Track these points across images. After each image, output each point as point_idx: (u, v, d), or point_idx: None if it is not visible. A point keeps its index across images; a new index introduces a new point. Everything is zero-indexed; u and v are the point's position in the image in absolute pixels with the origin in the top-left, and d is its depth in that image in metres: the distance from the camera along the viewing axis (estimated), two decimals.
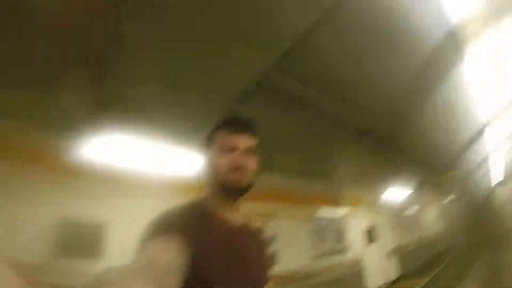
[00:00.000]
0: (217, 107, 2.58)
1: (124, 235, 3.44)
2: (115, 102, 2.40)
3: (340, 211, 6.75)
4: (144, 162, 3.20)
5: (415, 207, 11.02)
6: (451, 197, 13.91)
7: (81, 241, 3.29)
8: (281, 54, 1.90)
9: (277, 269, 4.83)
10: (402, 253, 8.57)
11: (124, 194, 3.59)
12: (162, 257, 0.63)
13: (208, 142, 0.99)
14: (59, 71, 2.06)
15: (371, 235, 7.70)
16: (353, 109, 2.93)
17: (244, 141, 0.93)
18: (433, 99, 3.19)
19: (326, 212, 6.36)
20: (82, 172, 3.22)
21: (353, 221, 7.09)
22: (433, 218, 12.95)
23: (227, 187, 0.90)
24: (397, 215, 9.35)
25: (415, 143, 4.47)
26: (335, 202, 6.50)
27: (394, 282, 7.84)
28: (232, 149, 0.91)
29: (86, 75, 2.08)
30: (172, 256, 0.65)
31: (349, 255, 6.51)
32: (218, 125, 0.99)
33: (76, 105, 2.44)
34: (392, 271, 8.07)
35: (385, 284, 7.58)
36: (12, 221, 2.98)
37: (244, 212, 1.03)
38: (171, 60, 2.03)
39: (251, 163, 0.93)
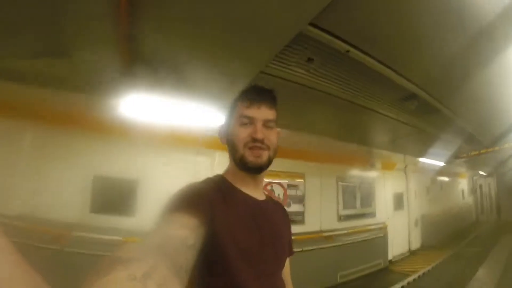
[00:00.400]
0: (252, 66, 2.42)
1: (157, 190, 3.51)
2: (146, 60, 2.32)
3: (371, 174, 6.57)
4: (176, 119, 3.15)
5: (448, 179, 10.68)
6: (486, 173, 13.37)
7: (115, 197, 3.44)
8: (324, 7, 1.71)
9: (303, 228, 4.87)
10: (428, 223, 8.39)
11: (156, 151, 3.67)
12: (177, 234, 0.62)
13: (230, 112, 0.98)
14: (85, 32, 1.94)
15: (399, 202, 7.53)
16: (398, 72, 2.72)
17: (263, 114, 0.91)
18: (484, 74, 2.91)
19: (357, 173, 6.20)
20: (114, 131, 3.25)
21: (383, 185, 6.92)
22: (464, 191, 12.60)
23: (244, 163, 0.90)
24: (428, 184, 9.08)
25: (459, 115, 4.16)
26: (366, 164, 6.29)
27: (416, 251, 7.77)
28: (250, 122, 0.90)
29: (114, 33, 1.94)
30: (187, 233, 0.64)
31: (376, 219, 6.41)
32: (238, 96, 0.97)
33: (106, 65, 2.40)
34: (416, 240, 7.98)
35: (408, 252, 7.55)
36: (49, 181, 3.18)
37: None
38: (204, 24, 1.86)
39: (270, 137, 0.91)
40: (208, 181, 0.92)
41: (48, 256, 2.85)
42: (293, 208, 4.83)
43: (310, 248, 4.60)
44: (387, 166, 6.88)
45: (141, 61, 2.31)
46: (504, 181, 12.25)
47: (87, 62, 2.38)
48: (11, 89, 2.92)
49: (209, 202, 0.78)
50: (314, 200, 5.17)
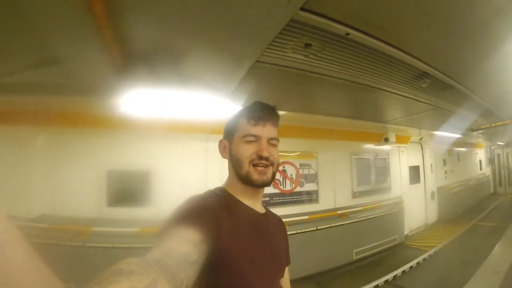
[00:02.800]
0: (252, 54, 2.32)
1: (170, 179, 3.64)
2: (138, 55, 2.30)
3: (385, 148, 6.45)
4: (181, 108, 3.13)
5: (464, 149, 10.43)
6: (503, 143, 12.96)
7: (130, 189, 3.55)
8: None
9: (317, 207, 4.87)
10: (444, 196, 8.28)
11: (165, 141, 3.73)
12: (179, 249, 0.62)
13: (232, 128, 1.00)
14: (70, 35, 1.92)
15: (415, 175, 7.41)
16: (405, 51, 2.57)
17: (268, 132, 0.94)
18: (500, 50, 2.74)
19: (370, 149, 6.10)
20: (121, 126, 3.30)
21: (398, 159, 6.81)
22: (481, 162, 12.32)
23: (250, 181, 0.92)
24: (445, 156, 8.91)
25: (474, 91, 4.00)
26: (380, 139, 6.14)
27: (432, 224, 7.71)
28: (255, 140, 0.93)
29: (105, 34, 1.89)
30: (190, 248, 0.64)
31: (391, 194, 6.35)
32: (241, 112, 1.00)
33: (100, 66, 2.40)
34: (432, 213, 7.91)
35: (424, 225, 7.49)
36: (65, 181, 3.31)
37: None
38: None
39: (274, 154, 0.94)
40: (211, 194, 0.93)
41: (70, 252, 3.05)
42: (306, 187, 4.82)
43: (325, 226, 4.60)
44: (402, 140, 6.70)
45: (134, 56, 2.29)
46: None
47: (80, 66, 2.40)
48: (15, 100, 3.05)
49: (214, 215, 0.79)
50: (328, 178, 5.14)
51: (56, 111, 3.21)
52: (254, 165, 0.91)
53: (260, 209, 1.01)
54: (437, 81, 3.37)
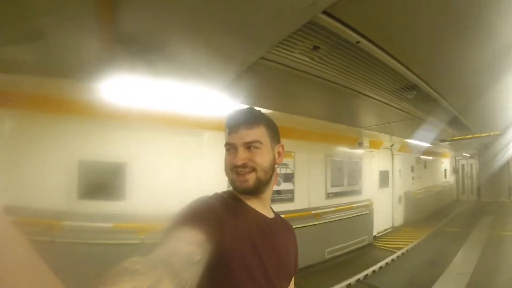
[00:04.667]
0: (253, 51, 2.30)
1: (146, 172, 3.50)
2: (129, 40, 2.16)
3: (359, 152, 6.68)
4: (162, 102, 3.09)
5: (431, 158, 10.99)
6: (468, 154, 13.76)
7: (103, 181, 3.34)
8: None
9: (292, 206, 4.96)
10: (410, 201, 8.71)
11: (143, 133, 3.55)
12: (183, 249, 0.63)
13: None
14: (59, 10, 1.77)
15: (384, 179, 7.76)
16: (402, 63, 2.70)
17: (242, 138, 0.91)
18: (485, 72, 3.03)
19: (345, 152, 6.29)
20: (98, 114, 3.11)
21: (370, 163, 7.08)
22: (446, 171, 13.01)
23: (234, 188, 0.93)
24: (413, 163, 9.38)
25: (452, 104, 4.26)
26: (354, 143, 6.38)
27: (399, 227, 8.09)
28: (233, 148, 0.92)
29: (93, 11, 1.77)
30: (193, 249, 0.65)
31: (362, 197, 6.59)
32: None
33: (85, 47, 2.25)
34: (399, 216, 8.30)
35: (391, 228, 7.83)
36: (33, 170, 3.05)
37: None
38: None
39: (255, 158, 0.90)
40: (218, 196, 0.92)
41: (39, 248, 2.79)
42: (282, 186, 4.89)
43: (299, 225, 4.70)
44: (375, 145, 7.02)
45: (124, 41, 2.17)
46: (485, 163, 12.63)
47: (64, 45, 2.22)
48: None
49: (218, 217, 0.78)
50: (303, 178, 5.24)
51: (27, 93, 2.95)
52: (237, 172, 0.90)
53: (267, 213, 0.99)
54: (423, 94, 3.55)
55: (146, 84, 2.66)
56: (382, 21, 1.99)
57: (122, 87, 2.65)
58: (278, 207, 4.63)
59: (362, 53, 2.40)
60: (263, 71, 2.61)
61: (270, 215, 1.00)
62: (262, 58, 2.38)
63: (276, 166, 0.99)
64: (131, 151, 3.49)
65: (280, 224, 1.02)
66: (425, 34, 2.18)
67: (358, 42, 2.20)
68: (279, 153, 1.00)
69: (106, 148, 3.37)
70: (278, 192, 4.82)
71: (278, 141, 1.01)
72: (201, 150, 3.75)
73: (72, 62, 2.53)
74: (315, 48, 2.29)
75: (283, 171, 4.91)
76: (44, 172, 3.10)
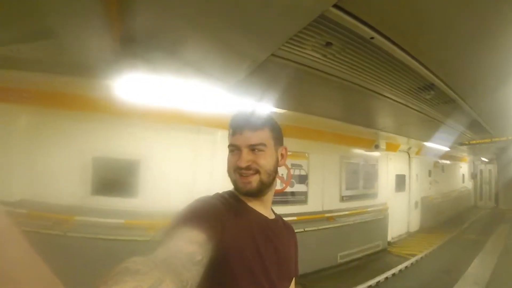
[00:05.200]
0: (263, 47, 2.24)
1: (159, 170, 3.52)
2: (140, 39, 2.18)
3: (375, 155, 6.52)
4: (176, 98, 3.05)
5: (449, 162, 10.66)
6: (487, 159, 13.34)
7: (116, 178, 3.39)
8: None
9: (306, 209, 4.85)
10: (427, 206, 8.45)
11: (157, 130, 3.58)
12: (184, 249, 0.63)
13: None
14: (70, 9, 1.78)
15: (401, 183, 7.53)
16: (419, 61, 2.57)
17: (246, 140, 0.90)
18: (505, 71, 2.84)
19: (361, 154, 6.15)
20: (112, 111, 3.15)
21: (386, 166, 6.90)
22: (464, 176, 12.62)
23: (236, 189, 0.93)
24: (431, 167, 9.09)
25: (472, 106, 4.08)
26: (371, 145, 6.22)
27: (414, 233, 7.85)
28: (236, 149, 0.91)
29: (107, 12, 1.79)
30: (195, 248, 0.65)
31: (377, 200, 6.42)
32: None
33: (97, 45, 2.26)
34: (415, 222, 8.05)
35: (406, 233, 7.61)
36: (48, 165, 3.14)
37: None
38: None
39: (259, 160, 0.90)
40: (219, 196, 0.92)
41: (51, 241, 2.85)
42: (296, 187, 4.80)
43: (312, 228, 4.60)
44: (392, 147, 6.81)
45: (136, 39, 2.17)
46: (504, 169, 12.24)
47: (74, 43, 2.24)
48: (2, 75, 2.85)
49: (219, 217, 0.78)
50: (317, 180, 5.14)
51: (43, 90, 3.02)
52: (240, 175, 0.90)
53: (268, 214, 0.99)
54: (441, 94, 3.40)
55: (159, 82, 2.65)
56: (396, 16, 1.89)
57: (135, 85, 2.64)
58: (291, 209, 4.65)
59: (377, 50, 2.30)
60: (274, 68, 2.55)
61: (271, 216, 1.01)
62: (273, 55, 2.31)
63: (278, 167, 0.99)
64: (145, 149, 3.52)
65: (281, 225, 1.03)
66: (443, 31, 2.05)
67: (372, 38, 2.09)
68: (282, 155, 1.00)
69: (120, 145, 3.41)
70: (292, 193, 4.75)
71: (281, 143, 1.01)
72: (214, 148, 3.72)
73: (84, 60, 2.55)
74: (328, 44, 2.20)
75: (297, 172, 4.82)
76: (58, 168, 3.16)
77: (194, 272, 0.60)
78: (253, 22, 1.86)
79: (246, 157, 0.89)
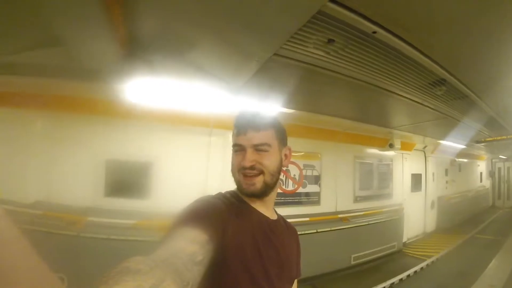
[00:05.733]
0: (265, 48, 2.21)
1: (171, 172, 3.55)
2: (147, 41, 2.21)
3: (389, 154, 6.37)
4: (187, 100, 3.06)
5: (466, 160, 10.37)
6: (505, 156, 12.92)
7: (129, 180, 3.45)
8: None
9: (318, 209, 4.79)
10: (444, 206, 8.23)
11: (168, 133, 3.63)
12: (185, 249, 0.63)
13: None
14: (76, 18, 1.81)
15: (416, 183, 7.34)
16: (427, 55, 2.47)
17: (250, 140, 0.91)
18: None
19: (375, 154, 6.03)
20: (124, 114, 3.19)
21: (402, 166, 6.73)
22: (482, 174, 12.26)
23: (240, 190, 0.93)
24: (447, 166, 8.84)
25: (486, 102, 3.93)
26: (385, 144, 6.08)
27: (430, 233, 7.66)
28: (241, 149, 0.92)
29: (113, 16, 1.80)
30: (196, 248, 0.65)
31: (392, 201, 6.28)
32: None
33: (104, 50, 2.27)
34: (431, 222, 7.85)
35: (422, 234, 7.43)
36: (62, 167, 3.22)
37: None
38: None
39: (263, 161, 0.90)
40: (220, 195, 0.92)
41: (64, 241, 2.95)
42: (308, 188, 4.74)
43: (325, 229, 4.53)
44: (407, 147, 6.63)
45: (141, 42, 2.19)
46: None
47: (84, 48, 2.26)
48: (16, 81, 2.92)
49: (220, 217, 0.78)
50: (330, 181, 5.06)
51: (56, 95, 3.10)
52: (244, 175, 0.90)
53: (270, 215, 0.99)
54: (453, 90, 3.27)
55: (169, 84, 2.66)
56: (396, 8, 1.81)
57: (147, 88, 2.66)
58: (303, 210, 4.60)
59: (381, 45, 2.22)
60: (279, 68, 2.52)
61: (273, 216, 1.01)
62: (276, 54, 2.27)
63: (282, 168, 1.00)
64: (157, 151, 3.56)
65: (283, 226, 1.03)
66: (454, 26, 1.96)
67: (374, 32, 2.02)
68: (286, 155, 1.00)
69: (132, 147, 3.46)
70: (305, 194, 4.69)
71: (285, 144, 1.01)
72: (225, 150, 3.71)
73: (93, 65, 2.57)
74: (330, 41, 2.14)
75: (309, 172, 4.75)
76: (73, 170, 3.23)
77: (195, 272, 0.60)
78: (254, 20, 1.84)
79: (251, 157, 0.89)
